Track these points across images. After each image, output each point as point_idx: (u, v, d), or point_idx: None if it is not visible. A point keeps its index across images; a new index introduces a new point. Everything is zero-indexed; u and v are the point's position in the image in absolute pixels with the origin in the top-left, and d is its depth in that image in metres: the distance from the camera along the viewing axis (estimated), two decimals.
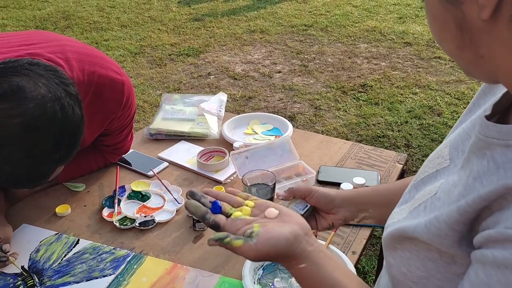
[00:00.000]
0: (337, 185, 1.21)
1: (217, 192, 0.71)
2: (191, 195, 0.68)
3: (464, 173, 0.51)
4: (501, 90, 0.56)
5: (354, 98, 3.52)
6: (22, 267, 0.98)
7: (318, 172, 1.28)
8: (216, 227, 0.65)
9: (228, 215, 0.68)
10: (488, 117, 0.51)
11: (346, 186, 1.16)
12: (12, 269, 0.98)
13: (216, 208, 0.67)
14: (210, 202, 0.68)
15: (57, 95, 0.79)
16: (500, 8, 0.41)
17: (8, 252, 0.98)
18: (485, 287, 0.43)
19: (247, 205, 0.69)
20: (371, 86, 3.68)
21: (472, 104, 0.65)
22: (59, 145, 0.81)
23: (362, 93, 3.59)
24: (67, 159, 0.85)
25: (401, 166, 1.34)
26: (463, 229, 0.47)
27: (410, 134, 3.00)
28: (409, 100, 3.46)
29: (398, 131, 3.05)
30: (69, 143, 0.84)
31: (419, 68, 4.02)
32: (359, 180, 1.18)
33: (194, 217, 1.06)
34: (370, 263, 2.03)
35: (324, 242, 0.99)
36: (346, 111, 3.34)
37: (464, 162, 0.52)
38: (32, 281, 0.94)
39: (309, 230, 0.64)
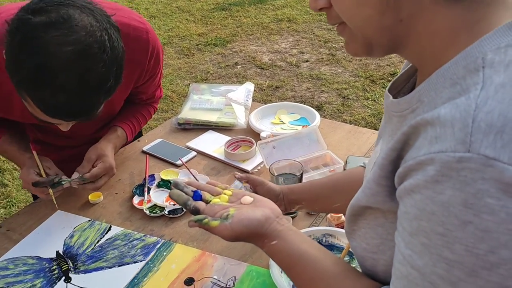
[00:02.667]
0: None
1: (198, 183, 0.81)
2: (175, 185, 0.77)
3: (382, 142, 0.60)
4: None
5: (383, 87, 3.45)
6: (57, 252, 1.02)
7: (346, 162, 1.27)
8: (196, 212, 0.73)
9: (207, 202, 0.76)
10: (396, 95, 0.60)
11: None
12: (48, 253, 1.02)
13: (197, 196, 0.76)
14: (192, 191, 0.77)
15: (104, 25, 0.79)
16: None
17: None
18: (404, 215, 0.48)
19: (225, 194, 0.78)
20: None
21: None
22: (108, 74, 0.81)
23: None
24: (113, 92, 0.85)
25: None
26: (387, 183, 0.52)
27: None
28: None
29: None
30: (116, 74, 0.83)
31: None
32: None
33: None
34: None
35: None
36: (375, 100, 3.28)
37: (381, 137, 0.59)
38: (66, 265, 0.98)
39: (280, 214, 0.72)
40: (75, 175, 1.10)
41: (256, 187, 0.95)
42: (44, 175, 1.08)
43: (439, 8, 0.48)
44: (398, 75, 0.64)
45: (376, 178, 0.54)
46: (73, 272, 0.97)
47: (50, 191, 1.07)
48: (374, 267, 0.59)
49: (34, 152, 1.10)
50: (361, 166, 0.91)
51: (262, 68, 3.89)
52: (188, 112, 1.54)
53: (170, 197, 0.75)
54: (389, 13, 0.50)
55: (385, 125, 0.65)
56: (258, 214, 0.69)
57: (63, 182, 1.08)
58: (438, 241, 0.44)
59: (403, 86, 0.64)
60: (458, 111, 0.43)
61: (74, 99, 0.80)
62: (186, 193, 0.76)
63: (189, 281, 0.93)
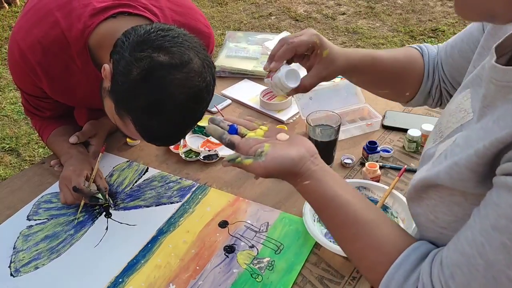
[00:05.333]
0: (403, 131, 1.17)
1: (235, 119, 0.79)
2: (212, 120, 0.77)
3: (485, 119, 0.52)
4: (504, 32, 0.58)
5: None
6: (98, 186, 1.05)
7: (383, 117, 1.24)
8: (231, 145, 0.73)
9: (243, 136, 0.75)
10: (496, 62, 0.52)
11: (414, 132, 1.12)
12: None
13: (232, 130, 0.75)
14: (228, 125, 0.76)
15: (210, 68, 0.84)
16: None
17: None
18: (494, 206, 0.46)
19: (261, 128, 0.76)
20: (443, 31, 3.43)
21: (481, 48, 0.66)
22: (205, 110, 0.88)
23: (433, 38, 3.36)
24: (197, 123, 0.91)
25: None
26: (484, 169, 0.49)
27: None
28: None
29: None
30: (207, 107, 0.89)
31: None
32: (429, 127, 1.13)
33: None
34: None
35: (387, 187, 0.97)
36: None
37: (483, 111, 0.53)
38: (107, 202, 1.02)
39: (315, 153, 0.69)
40: (72, 139, 1.09)
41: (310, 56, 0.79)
42: (90, 181, 1.02)
43: None
44: (508, 34, 0.56)
45: (471, 164, 0.50)
46: (113, 208, 1.01)
47: (83, 203, 1.00)
48: (437, 239, 0.58)
49: (101, 154, 1.09)
50: (415, 48, 0.87)
51: (297, 20, 3.78)
52: (224, 60, 1.53)
53: (207, 131, 0.75)
54: None
55: (473, 80, 0.60)
56: (292, 153, 0.67)
57: (100, 200, 1.01)
58: None
59: (509, 51, 0.56)
60: None
61: (175, 133, 0.87)
62: (222, 128, 0.75)
63: (223, 223, 0.95)
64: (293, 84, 0.78)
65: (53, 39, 0.92)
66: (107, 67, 0.84)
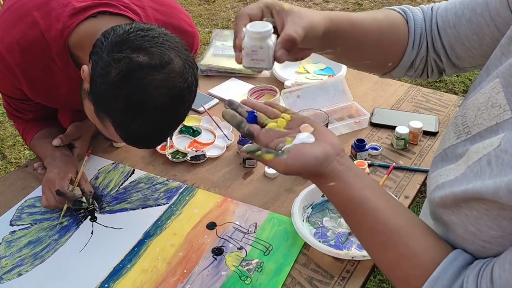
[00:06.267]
0: (392, 128, 1.17)
1: (254, 103, 0.70)
2: (229, 104, 0.69)
3: None
4: None
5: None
6: (82, 190, 1.03)
7: (372, 114, 1.24)
8: (251, 136, 0.66)
9: (263, 126, 0.67)
10: None
11: (402, 129, 1.11)
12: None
13: (252, 118, 0.67)
14: (247, 112, 0.68)
15: (192, 68, 0.82)
16: None
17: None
18: None
19: (283, 118, 0.68)
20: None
21: None
22: (188, 112, 0.86)
23: None
24: (179, 125, 0.90)
25: None
26: None
27: (469, 80, 2.82)
28: None
29: (457, 75, 2.87)
30: (189, 109, 0.86)
31: None
32: (417, 124, 1.12)
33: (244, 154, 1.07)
34: (417, 209, 2.01)
35: None
36: None
37: None
38: (92, 206, 1.00)
39: (341, 151, 0.62)
40: (56, 142, 1.06)
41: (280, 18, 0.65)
42: (74, 185, 1.00)
43: None
44: None
45: None
46: (98, 212, 0.99)
47: (65, 207, 0.97)
48: (477, 251, 0.53)
49: (86, 158, 1.07)
50: (395, 11, 0.74)
51: None
52: (211, 59, 1.51)
53: (223, 117, 0.67)
54: None
55: (506, 70, 0.54)
56: (317, 152, 0.60)
57: (83, 204, 0.99)
58: None
59: None
60: None
61: (156, 135, 0.85)
62: (240, 113, 0.67)
63: (211, 225, 0.94)
64: (265, 27, 0.61)
65: (32, 40, 0.90)
66: (85, 69, 0.82)
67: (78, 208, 0.99)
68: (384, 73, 0.80)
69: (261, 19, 0.65)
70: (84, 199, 0.99)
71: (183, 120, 0.87)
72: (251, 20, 0.65)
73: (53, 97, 1.02)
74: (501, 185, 0.48)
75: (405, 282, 0.57)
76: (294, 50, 0.64)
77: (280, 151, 0.61)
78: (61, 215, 0.97)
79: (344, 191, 0.60)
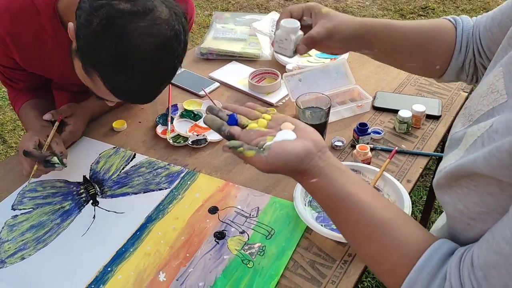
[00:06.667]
0: (394, 112, 1.16)
1: (235, 107, 0.72)
2: (210, 110, 0.71)
3: None
4: None
5: None
6: (84, 176, 1.03)
7: (374, 98, 1.23)
8: (231, 138, 0.67)
9: (244, 127, 0.69)
10: None
11: (404, 113, 1.11)
12: (75, 177, 1.03)
13: (232, 121, 0.69)
14: (227, 115, 0.70)
15: (179, 16, 0.80)
16: None
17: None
18: None
19: (263, 118, 0.70)
20: (433, 9, 3.40)
21: None
22: (178, 64, 0.84)
23: (423, 17, 3.33)
24: (172, 78, 0.87)
25: (466, 94, 1.25)
26: None
27: None
28: None
29: None
30: (181, 61, 0.85)
31: None
32: (419, 108, 1.12)
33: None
34: (418, 193, 2.01)
35: (378, 170, 0.96)
36: None
37: None
38: (93, 189, 1.00)
39: (323, 147, 0.63)
40: (46, 116, 1.05)
41: (312, 16, 0.81)
42: (45, 147, 0.99)
43: None
44: None
45: None
46: (100, 196, 0.99)
47: (35, 167, 0.96)
48: (464, 231, 0.54)
49: (57, 123, 1.05)
50: (447, 19, 0.82)
51: None
52: (211, 42, 1.49)
53: (204, 122, 0.69)
54: None
55: (508, 59, 0.55)
56: (297, 148, 0.61)
57: (56, 165, 0.97)
58: None
59: None
60: None
61: (146, 87, 0.82)
62: (220, 118, 0.69)
63: (213, 209, 0.94)
64: (294, 24, 0.79)
65: (21, 6, 0.89)
66: (71, 25, 0.80)
67: (50, 169, 0.98)
68: (438, 77, 0.85)
69: (301, 18, 0.82)
70: (55, 159, 0.97)
71: (174, 73, 0.84)
72: (291, 17, 0.81)
73: (47, 67, 1.02)
74: (479, 155, 0.49)
75: (390, 273, 0.56)
76: (316, 46, 0.81)
77: (261, 149, 0.62)
78: (30, 176, 0.96)
79: (326, 187, 0.61)
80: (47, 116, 1.06)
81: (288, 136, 0.63)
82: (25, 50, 0.95)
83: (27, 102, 1.11)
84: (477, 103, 0.58)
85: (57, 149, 0.99)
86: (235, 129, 0.68)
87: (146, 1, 0.76)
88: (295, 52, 0.82)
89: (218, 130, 0.68)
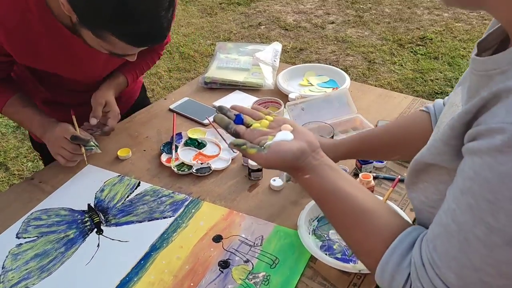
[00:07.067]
0: None
1: (241, 107, 0.81)
2: (219, 109, 0.80)
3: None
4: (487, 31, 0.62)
5: (412, 52, 3.34)
6: (89, 205, 1.04)
7: (376, 127, 1.24)
8: (236, 135, 0.76)
9: (248, 126, 0.78)
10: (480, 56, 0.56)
11: None
12: (79, 206, 1.04)
13: (238, 120, 0.78)
14: (234, 115, 0.79)
15: None
16: None
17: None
18: (461, 172, 0.50)
19: (266, 119, 0.78)
20: (431, 39, 3.47)
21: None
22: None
23: (421, 46, 3.40)
24: (173, 4, 0.91)
25: None
26: (457, 143, 0.52)
27: None
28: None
29: None
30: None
31: (485, 19, 3.73)
32: None
33: (250, 168, 1.07)
34: None
35: (381, 198, 0.97)
36: (402, 65, 3.19)
37: (468, 101, 0.55)
38: (98, 218, 1.00)
39: (317, 147, 0.72)
40: (93, 121, 1.16)
41: None
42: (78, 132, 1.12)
43: None
44: (486, 33, 0.61)
45: (445, 138, 0.54)
46: (104, 224, 0.99)
47: (83, 149, 1.11)
48: (429, 220, 0.59)
49: (74, 117, 1.16)
50: (421, 110, 0.88)
51: (286, 29, 3.80)
52: (215, 71, 1.52)
53: (214, 120, 0.78)
54: None
55: (465, 78, 0.63)
56: (294, 148, 0.70)
57: (93, 148, 1.12)
58: (484, 206, 0.46)
59: (493, 45, 0.60)
60: None
61: (154, 24, 0.86)
62: (229, 117, 0.78)
63: (217, 238, 0.94)
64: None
65: None
66: (63, 1, 0.85)
67: (88, 152, 1.12)
68: None
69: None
70: (92, 143, 1.12)
71: (173, 4, 0.88)
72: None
73: (35, 53, 1.03)
74: (424, 148, 0.59)
75: (370, 256, 0.63)
76: None
77: (262, 147, 0.71)
78: (85, 157, 1.12)
79: (318, 182, 0.69)
80: (93, 122, 1.16)
81: (286, 136, 0.72)
82: (11, 32, 0.97)
83: (10, 101, 1.13)
84: (442, 117, 0.67)
85: (86, 136, 1.11)
86: (241, 128, 0.77)
87: None
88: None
89: (226, 128, 0.77)
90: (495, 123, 0.45)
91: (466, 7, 0.54)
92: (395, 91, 2.87)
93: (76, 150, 1.10)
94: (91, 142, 1.12)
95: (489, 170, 0.45)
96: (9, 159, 2.50)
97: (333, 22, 3.86)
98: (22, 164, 2.46)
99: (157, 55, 1.36)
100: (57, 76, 1.14)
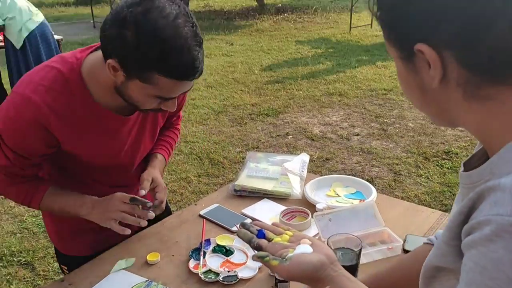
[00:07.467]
0: None
1: (263, 224, 0.87)
2: (243, 225, 0.85)
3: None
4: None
5: (437, 165, 3.38)
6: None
7: (404, 241, 1.24)
8: (259, 248, 0.80)
9: (270, 240, 0.82)
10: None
11: None
12: None
13: (261, 235, 0.83)
14: (257, 230, 0.84)
15: (177, 4, 0.97)
16: (446, 76, 0.54)
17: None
18: (463, 267, 0.51)
19: (286, 234, 0.83)
20: (456, 154, 3.52)
21: None
22: (198, 30, 0.99)
23: (446, 160, 3.44)
24: (199, 37, 1.00)
25: None
26: (457, 242, 0.55)
27: None
28: None
29: None
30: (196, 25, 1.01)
31: None
32: None
33: (276, 278, 1.07)
34: None
35: None
36: (428, 178, 3.21)
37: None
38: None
39: (334, 260, 0.76)
40: (141, 192, 1.20)
41: None
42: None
43: (470, 104, 0.55)
44: (474, 151, 0.67)
45: (445, 239, 0.58)
46: None
47: (138, 208, 1.17)
48: None
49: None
50: (425, 243, 0.89)
51: (313, 140, 3.95)
52: (245, 179, 1.59)
53: (237, 235, 0.83)
54: (432, 105, 0.59)
55: (458, 194, 0.68)
56: (314, 260, 0.74)
57: (147, 205, 1.18)
58: None
59: (479, 164, 0.65)
60: None
61: (193, 56, 0.96)
62: (251, 232, 0.83)
63: None
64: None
65: (53, 78, 1.04)
66: (109, 61, 0.96)
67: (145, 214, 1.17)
68: None
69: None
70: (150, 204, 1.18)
71: (202, 38, 0.99)
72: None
73: (79, 138, 1.10)
74: (431, 252, 0.62)
75: None
76: None
77: (284, 259, 0.75)
78: (141, 221, 1.16)
79: None
80: (143, 192, 1.20)
81: (306, 249, 0.76)
82: (60, 116, 1.05)
83: (47, 193, 1.17)
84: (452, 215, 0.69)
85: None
86: (263, 241, 0.81)
87: (179, 4, 0.95)
88: None
89: (249, 242, 0.81)
90: (482, 216, 0.50)
91: (446, 126, 0.62)
92: (423, 204, 2.85)
93: (133, 209, 1.15)
94: (150, 203, 1.17)
95: (484, 258, 0.48)
96: (36, 258, 2.53)
97: (358, 134, 4.00)
98: (48, 265, 2.47)
99: (176, 130, 1.48)
100: (87, 170, 1.22)
